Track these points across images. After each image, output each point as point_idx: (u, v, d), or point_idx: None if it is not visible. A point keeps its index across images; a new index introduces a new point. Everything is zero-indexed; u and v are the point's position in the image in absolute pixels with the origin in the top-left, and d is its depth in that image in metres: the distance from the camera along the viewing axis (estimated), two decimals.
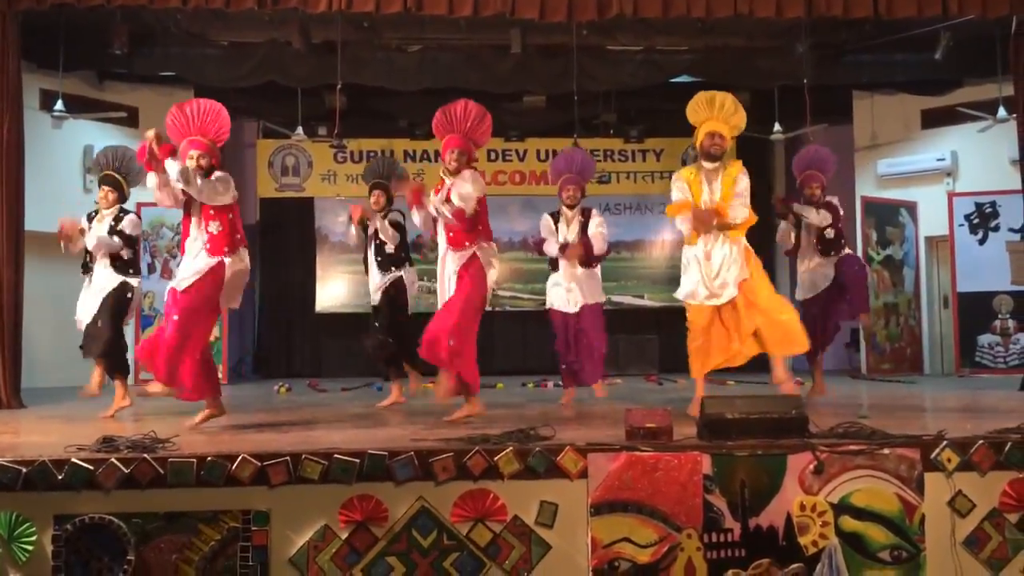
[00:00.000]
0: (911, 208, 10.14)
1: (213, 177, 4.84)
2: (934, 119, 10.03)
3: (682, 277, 5.27)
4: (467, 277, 5.04)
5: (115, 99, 9.61)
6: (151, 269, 9.62)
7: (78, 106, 9.05)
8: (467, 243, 5.07)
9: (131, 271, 5.93)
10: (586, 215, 6.29)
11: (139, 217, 6.19)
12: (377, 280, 6.43)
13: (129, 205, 6.29)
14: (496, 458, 3.60)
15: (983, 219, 9.44)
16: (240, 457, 3.51)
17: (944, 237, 9.78)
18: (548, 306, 6.45)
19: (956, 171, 9.88)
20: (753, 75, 9.42)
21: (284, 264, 11.46)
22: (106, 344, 5.76)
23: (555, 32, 8.16)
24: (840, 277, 6.15)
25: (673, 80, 9.73)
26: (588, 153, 7.22)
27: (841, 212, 6.23)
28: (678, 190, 5.21)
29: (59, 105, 8.59)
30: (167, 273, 9.62)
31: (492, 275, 5.16)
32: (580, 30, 8.16)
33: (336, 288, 11.46)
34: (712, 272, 5.07)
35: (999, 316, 9.29)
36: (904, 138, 10.24)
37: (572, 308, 6.25)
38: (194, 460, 3.50)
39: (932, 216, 9.94)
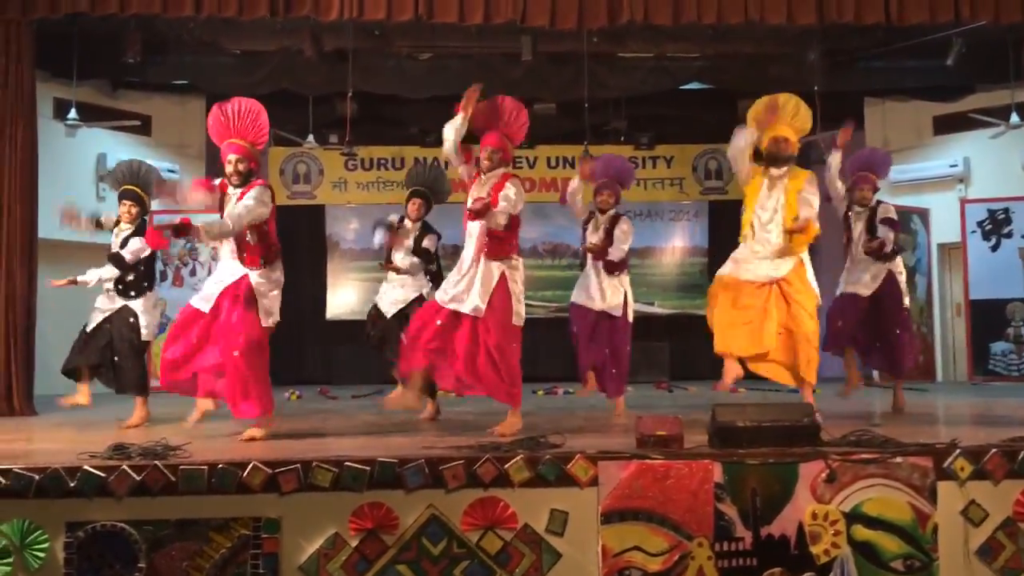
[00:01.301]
0: (923, 215, 10.10)
1: (246, 198, 4.61)
2: (946, 125, 9.99)
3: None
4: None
5: (128, 107, 9.67)
6: (163, 277, 9.66)
7: (91, 114, 9.11)
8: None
9: (131, 293, 5.71)
10: (614, 221, 6.11)
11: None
12: (397, 294, 6.19)
13: None
14: (506, 466, 3.60)
15: (996, 226, 9.38)
16: (251, 464, 3.52)
17: (957, 244, 9.72)
18: (571, 301, 6.21)
19: (968, 177, 9.84)
20: (764, 82, 9.38)
21: (295, 271, 11.33)
22: (139, 381, 5.68)
23: (566, 39, 8.16)
24: (881, 309, 6.03)
25: (684, 87, 9.72)
26: (627, 160, 7.11)
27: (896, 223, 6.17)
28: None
29: (72, 113, 8.65)
30: (179, 280, 9.67)
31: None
32: (591, 37, 8.16)
33: (346, 295, 11.49)
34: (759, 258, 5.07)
35: (1012, 323, 9.22)
36: (916, 144, 10.20)
37: (596, 305, 6.01)
38: (205, 467, 3.51)
39: (944, 223, 9.89)
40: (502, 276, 4.80)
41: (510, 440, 4.06)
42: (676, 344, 10.90)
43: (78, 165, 9.16)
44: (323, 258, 11.56)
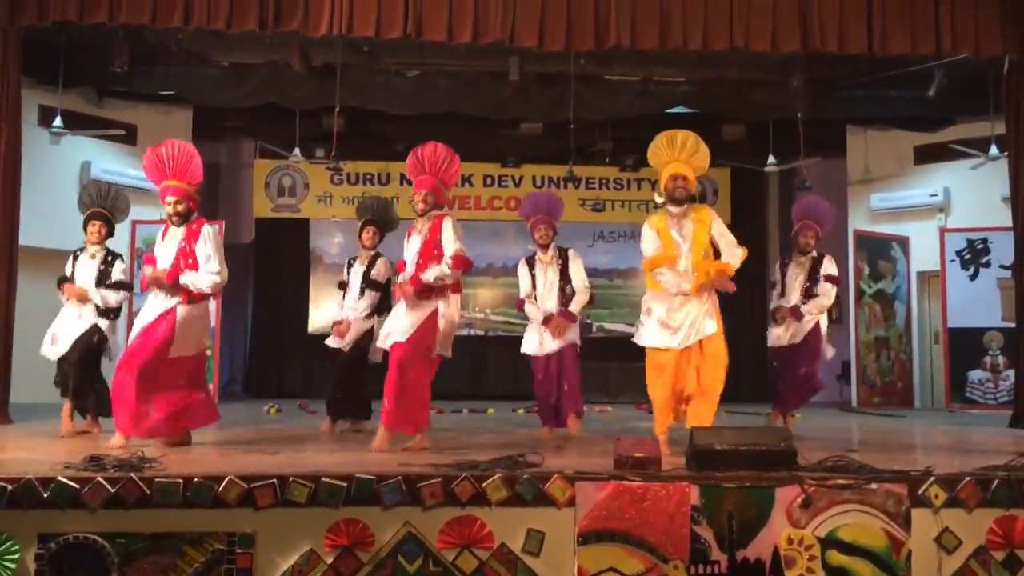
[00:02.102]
0: (903, 243, 10.21)
1: (201, 256, 4.98)
2: (927, 155, 10.13)
3: (643, 321, 5.05)
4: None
5: (114, 116, 9.65)
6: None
7: (77, 123, 9.08)
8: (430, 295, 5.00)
9: (111, 315, 5.95)
10: (564, 257, 6.23)
11: (126, 262, 6.16)
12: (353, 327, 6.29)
13: (124, 223, 6.35)
14: (484, 484, 3.59)
15: (974, 255, 9.51)
16: (227, 479, 3.49)
17: (935, 272, 9.83)
18: (523, 351, 6.32)
19: (948, 207, 9.98)
20: (748, 108, 9.52)
21: (277, 284, 11.46)
22: (76, 384, 5.79)
23: (553, 61, 8.24)
24: (805, 347, 6.14)
25: (669, 111, 9.81)
26: (554, 193, 7.17)
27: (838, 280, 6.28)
28: (651, 240, 5.03)
29: (58, 121, 8.61)
30: None
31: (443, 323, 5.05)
32: (578, 59, 8.23)
33: (329, 309, 11.39)
34: (678, 319, 4.91)
35: (989, 352, 9.32)
36: (897, 173, 10.33)
37: (548, 349, 6.13)
38: (181, 481, 3.48)
39: (924, 251, 10.00)
40: (433, 311, 4.97)
41: (488, 458, 4.05)
42: None
43: (61, 173, 9.12)
44: (306, 271, 11.54)
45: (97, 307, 5.86)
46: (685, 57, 8.27)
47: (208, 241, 5.01)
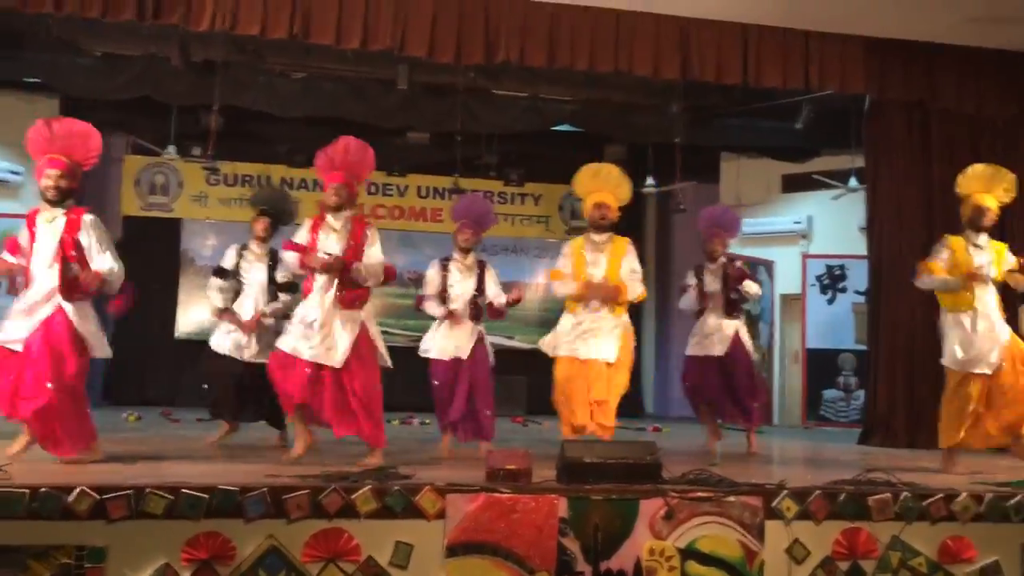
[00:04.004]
0: (768, 266, 10.71)
1: (99, 248, 4.52)
2: (793, 184, 10.69)
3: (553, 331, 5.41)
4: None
5: None
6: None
7: None
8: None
9: None
10: (481, 267, 6.04)
11: None
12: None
13: None
14: (353, 496, 3.54)
15: (833, 280, 10.08)
16: (78, 489, 3.31)
17: (797, 296, 10.36)
18: (431, 355, 6.00)
19: (811, 234, 10.54)
20: (630, 130, 9.80)
21: (144, 285, 10.84)
22: None
23: (442, 72, 8.23)
24: (732, 366, 6.33)
25: (555, 128, 9.99)
26: (491, 204, 7.11)
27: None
28: (562, 258, 5.49)
29: None
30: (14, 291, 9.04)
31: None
32: (467, 72, 8.27)
33: (198, 314, 11.02)
34: (582, 332, 5.22)
35: (843, 373, 9.89)
36: (765, 200, 10.84)
37: (459, 354, 5.89)
38: (26, 491, 3.27)
39: (787, 275, 10.52)
40: (362, 323, 4.79)
41: (358, 470, 4.00)
42: (533, 379, 11.03)
43: None
44: (175, 274, 11.10)
45: None
46: (572, 77, 8.43)
47: (93, 231, 4.50)
